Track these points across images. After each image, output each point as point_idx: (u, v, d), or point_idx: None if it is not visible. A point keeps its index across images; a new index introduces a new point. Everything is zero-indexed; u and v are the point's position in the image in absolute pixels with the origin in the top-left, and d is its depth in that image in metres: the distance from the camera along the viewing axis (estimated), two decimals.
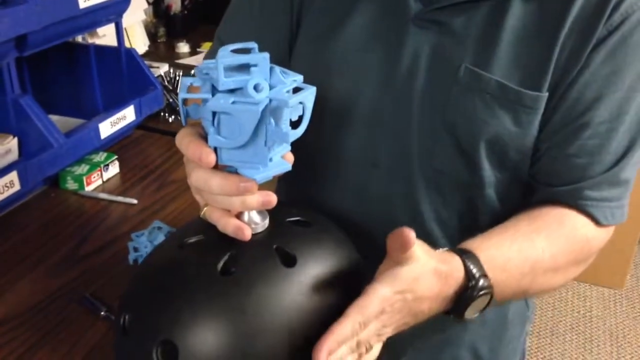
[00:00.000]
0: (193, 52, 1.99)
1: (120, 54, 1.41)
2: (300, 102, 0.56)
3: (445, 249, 0.66)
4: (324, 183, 0.82)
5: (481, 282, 0.63)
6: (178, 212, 1.19)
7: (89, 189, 1.24)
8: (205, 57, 0.92)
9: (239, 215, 0.60)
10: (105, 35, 1.60)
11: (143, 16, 1.93)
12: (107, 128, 1.30)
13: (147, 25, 2.03)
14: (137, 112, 1.38)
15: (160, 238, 1.01)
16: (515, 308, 0.90)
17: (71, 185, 1.24)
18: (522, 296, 0.73)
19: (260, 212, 0.61)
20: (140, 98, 1.38)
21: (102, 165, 1.27)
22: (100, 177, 1.27)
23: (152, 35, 2.04)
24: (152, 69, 1.51)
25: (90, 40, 1.55)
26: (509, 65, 0.70)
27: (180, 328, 0.55)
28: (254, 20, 0.84)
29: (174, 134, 1.64)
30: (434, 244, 0.74)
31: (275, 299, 0.57)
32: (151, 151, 1.41)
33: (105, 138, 1.30)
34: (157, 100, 1.45)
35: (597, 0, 0.67)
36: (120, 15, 1.37)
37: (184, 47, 1.99)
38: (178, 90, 0.56)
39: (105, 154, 1.31)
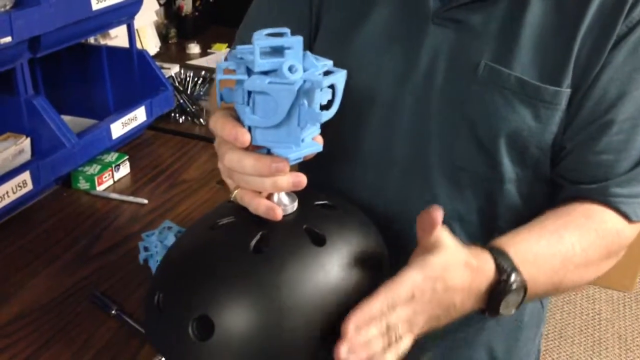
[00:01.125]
0: (204, 53, 2.01)
1: (131, 55, 1.42)
2: (332, 85, 0.58)
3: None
4: (342, 179, 0.83)
5: (513, 276, 0.63)
6: (188, 212, 1.20)
7: (100, 188, 1.26)
8: (227, 58, 0.93)
9: (269, 197, 0.62)
10: (117, 37, 1.61)
11: (154, 17, 1.94)
12: (118, 128, 1.31)
13: (159, 27, 2.05)
14: (148, 112, 1.39)
15: (171, 237, 1.02)
16: (531, 309, 0.90)
17: (83, 185, 1.26)
18: (554, 292, 0.74)
19: (289, 195, 0.63)
20: (151, 99, 1.40)
21: (113, 166, 1.28)
22: (111, 177, 1.29)
23: (163, 37, 2.05)
24: (163, 70, 1.52)
25: (102, 42, 1.57)
26: (529, 61, 0.70)
27: (215, 304, 0.58)
28: (274, 19, 0.86)
29: (184, 135, 1.65)
30: None
31: (307, 277, 0.59)
32: (162, 151, 1.42)
33: (116, 138, 1.31)
34: (168, 101, 1.46)
35: None
36: (132, 17, 1.38)
37: (194, 48, 2.01)
38: (214, 75, 0.58)
39: (116, 154, 1.32)
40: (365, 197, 0.81)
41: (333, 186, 0.83)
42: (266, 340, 0.57)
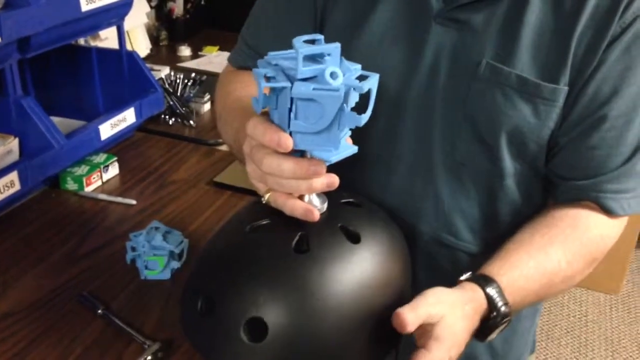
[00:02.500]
0: (194, 55, 2.01)
1: (121, 56, 1.42)
2: (369, 88, 0.60)
3: (468, 275, 0.70)
4: (349, 176, 0.84)
5: (502, 310, 0.68)
6: (176, 212, 1.21)
7: (88, 189, 1.26)
8: (230, 58, 0.95)
9: (300, 199, 0.64)
10: (107, 38, 1.61)
11: (145, 20, 1.95)
12: (107, 130, 1.32)
13: (150, 29, 2.05)
14: (138, 114, 1.40)
15: (158, 238, 1.03)
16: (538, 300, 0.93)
17: (71, 185, 1.26)
18: (540, 302, 0.80)
19: (319, 196, 0.65)
20: (140, 100, 1.40)
21: (102, 167, 1.29)
22: (100, 178, 1.29)
23: (154, 39, 2.06)
24: (153, 72, 1.52)
25: (92, 43, 1.57)
26: (529, 59, 0.73)
27: (266, 305, 0.59)
28: (279, 19, 0.88)
29: (174, 137, 1.66)
30: (455, 234, 0.81)
31: (348, 274, 0.61)
32: (151, 153, 1.43)
33: (105, 139, 1.31)
34: (157, 103, 1.47)
35: None
36: (122, 19, 1.39)
37: (185, 51, 2.01)
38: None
39: (105, 155, 1.32)
40: (372, 193, 0.83)
41: (341, 183, 0.85)
42: (316, 337, 0.60)
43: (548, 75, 0.72)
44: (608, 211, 0.76)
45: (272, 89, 0.58)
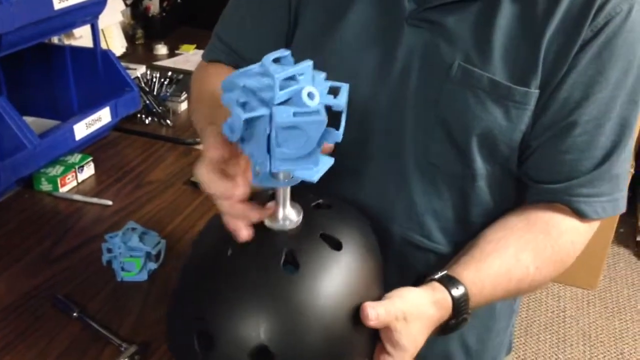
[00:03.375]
0: (171, 54, 2.00)
1: (96, 55, 1.41)
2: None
3: (438, 275, 0.70)
4: (325, 176, 0.84)
5: (464, 316, 0.69)
6: (153, 213, 1.20)
7: (63, 190, 1.24)
8: (204, 54, 0.94)
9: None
10: (82, 37, 1.59)
11: (120, 18, 1.93)
12: (82, 129, 1.30)
13: (125, 27, 2.03)
14: (113, 113, 1.38)
15: (135, 239, 1.01)
16: (503, 300, 0.93)
17: (45, 186, 1.24)
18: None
19: (294, 207, 0.64)
20: (116, 100, 1.38)
21: (76, 167, 1.27)
22: (75, 179, 1.27)
23: (130, 37, 2.03)
24: (129, 71, 1.51)
25: (66, 42, 1.55)
26: (500, 62, 0.72)
27: (268, 332, 0.58)
28: (252, 17, 0.87)
29: (150, 136, 1.64)
30: (427, 235, 0.81)
31: (339, 283, 0.61)
32: (127, 153, 1.41)
33: (80, 139, 1.30)
34: (133, 102, 1.45)
35: (582, 2, 0.70)
36: (97, 17, 1.37)
37: (162, 49, 1.99)
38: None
39: (80, 156, 1.31)
40: (344, 195, 0.83)
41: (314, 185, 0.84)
42: (322, 353, 0.60)
43: (519, 79, 0.72)
44: (581, 215, 0.76)
45: (254, 117, 0.56)
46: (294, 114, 0.54)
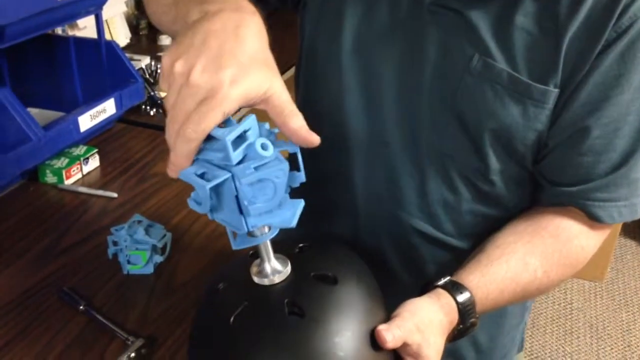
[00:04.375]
0: None
1: (100, 46, 1.39)
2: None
3: (443, 281, 0.69)
4: (332, 161, 0.84)
5: (471, 321, 0.69)
6: (159, 205, 1.19)
7: (68, 182, 1.24)
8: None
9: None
10: (86, 27, 1.58)
11: (124, 8, 1.91)
12: (86, 121, 1.29)
13: (129, 18, 2.02)
14: (118, 105, 1.37)
15: (140, 232, 1.00)
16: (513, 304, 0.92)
17: (50, 178, 1.23)
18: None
19: (278, 259, 0.63)
20: (120, 91, 1.37)
21: (81, 159, 1.26)
22: (80, 171, 1.26)
23: (133, 28, 2.02)
24: (133, 62, 1.49)
25: (70, 33, 1.54)
26: (520, 59, 0.71)
27: None
28: None
29: (155, 127, 1.63)
30: (438, 226, 0.81)
31: (346, 314, 0.61)
32: (132, 144, 1.40)
33: (85, 131, 1.29)
34: (138, 93, 1.43)
35: (606, 3, 0.68)
36: (100, 7, 1.35)
37: (166, 40, 1.98)
38: (194, 182, 0.54)
39: (85, 148, 1.30)
40: (358, 177, 0.82)
41: (328, 170, 0.84)
42: None
43: (539, 77, 0.71)
44: (595, 219, 0.75)
45: (214, 186, 0.55)
46: (256, 169, 0.55)
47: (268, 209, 0.57)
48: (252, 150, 0.55)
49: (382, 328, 0.60)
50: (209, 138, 0.55)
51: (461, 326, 0.68)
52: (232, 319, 0.61)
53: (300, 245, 0.69)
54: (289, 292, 0.62)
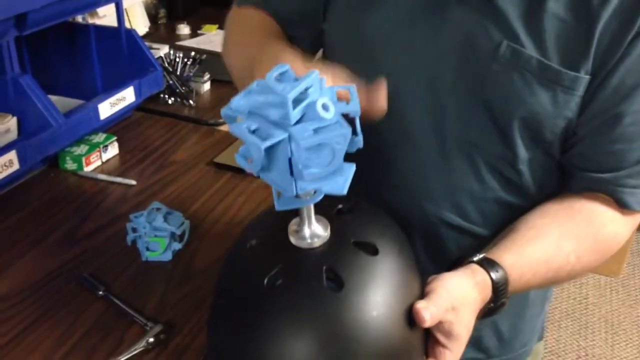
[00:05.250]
0: (194, 34, 1.99)
1: (120, 34, 1.40)
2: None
3: (478, 257, 0.68)
4: (359, 151, 0.83)
5: (502, 300, 0.68)
6: (177, 193, 1.19)
7: (88, 169, 1.25)
8: (238, 1, 0.93)
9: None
10: (106, 16, 1.59)
11: None
12: (106, 109, 1.30)
13: (148, 7, 2.02)
14: (137, 93, 1.38)
15: (159, 219, 1.01)
16: (540, 288, 0.92)
17: (70, 165, 1.24)
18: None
19: (319, 221, 0.60)
20: (140, 79, 1.38)
21: (101, 146, 1.27)
22: (99, 158, 1.27)
23: (152, 17, 2.03)
24: (152, 51, 1.50)
25: (90, 21, 1.55)
26: (550, 45, 0.70)
27: (333, 356, 0.55)
28: None
29: (173, 116, 1.64)
30: (464, 216, 0.80)
31: (384, 288, 0.59)
32: (150, 133, 1.41)
33: (104, 119, 1.30)
34: (157, 82, 1.44)
35: None
36: None
37: (184, 29, 1.98)
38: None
39: (104, 135, 1.31)
40: (383, 169, 0.82)
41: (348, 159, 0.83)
42: None
43: (569, 63, 0.70)
44: (624, 206, 0.74)
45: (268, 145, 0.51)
46: (315, 131, 0.51)
47: (322, 175, 0.53)
48: (312, 110, 0.51)
49: (421, 306, 0.59)
50: (267, 90, 0.52)
51: (492, 305, 0.68)
52: (265, 280, 0.57)
53: (339, 206, 0.65)
54: (328, 258, 0.58)
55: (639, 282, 2.53)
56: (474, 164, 0.78)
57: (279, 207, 0.57)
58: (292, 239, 0.60)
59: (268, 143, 0.50)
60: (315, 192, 0.55)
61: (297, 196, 0.55)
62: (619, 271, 2.52)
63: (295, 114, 0.51)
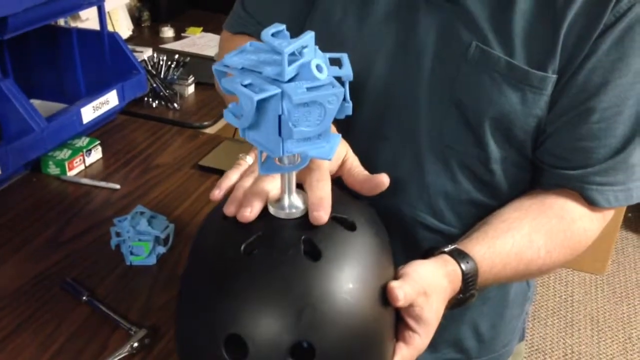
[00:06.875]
0: (177, 36, 1.98)
1: (102, 37, 1.39)
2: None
3: (450, 248, 0.68)
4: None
5: (471, 292, 0.68)
6: (161, 197, 1.19)
7: (71, 174, 1.24)
8: (227, 24, 0.94)
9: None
10: (88, 19, 1.58)
11: (126, 0, 1.91)
12: (89, 113, 1.29)
13: (131, 9, 2.02)
14: (120, 96, 1.37)
15: (143, 223, 1.01)
16: (517, 287, 0.93)
17: (53, 170, 1.23)
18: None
19: (299, 194, 0.60)
20: (123, 83, 1.37)
21: (84, 150, 1.26)
22: (82, 162, 1.27)
23: (136, 20, 2.02)
24: (135, 54, 1.50)
25: (72, 24, 1.54)
26: (518, 45, 0.71)
27: (307, 324, 0.55)
28: None
29: (158, 119, 1.63)
30: (439, 217, 0.80)
31: (360, 263, 0.58)
32: (135, 136, 1.40)
33: (87, 123, 1.29)
34: (140, 85, 1.44)
35: None
36: None
37: (168, 32, 1.98)
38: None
39: (87, 139, 1.30)
40: None
41: None
42: (365, 340, 0.58)
43: (537, 63, 0.71)
44: (592, 203, 0.75)
45: (265, 96, 0.51)
46: (308, 89, 0.51)
47: (310, 135, 0.53)
48: (305, 70, 0.51)
49: (395, 285, 0.59)
50: (261, 51, 0.52)
51: (461, 296, 0.68)
52: (242, 246, 0.57)
53: (341, 217, 0.64)
54: (307, 229, 0.58)
55: (623, 280, 2.55)
56: (448, 164, 0.78)
57: (262, 171, 0.56)
58: (271, 209, 0.59)
59: (262, 95, 0.50)
60: (300, 160, 0.56)
61: (279, 160, 0.55)
62: (603, 269, 2.54)
63: (289, 71, 0.51)
